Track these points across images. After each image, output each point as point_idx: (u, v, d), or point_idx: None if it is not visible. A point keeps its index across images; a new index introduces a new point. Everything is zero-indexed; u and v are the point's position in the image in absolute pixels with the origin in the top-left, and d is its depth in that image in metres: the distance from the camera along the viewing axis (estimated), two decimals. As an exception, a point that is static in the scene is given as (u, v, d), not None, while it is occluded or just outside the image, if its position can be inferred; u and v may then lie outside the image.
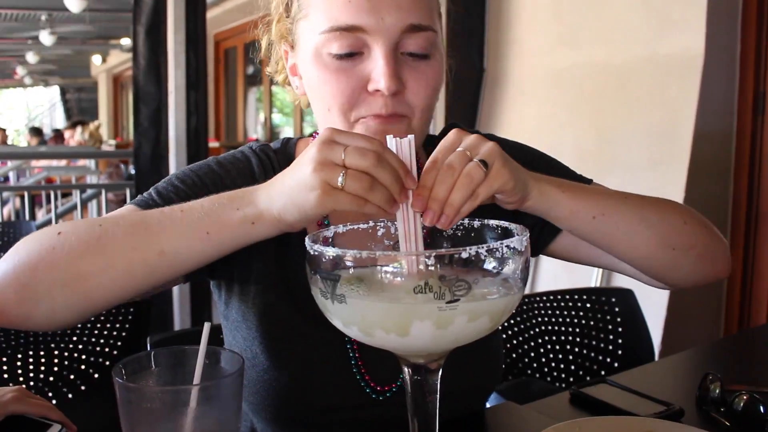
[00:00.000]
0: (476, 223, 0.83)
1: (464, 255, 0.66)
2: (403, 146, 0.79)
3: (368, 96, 0.97)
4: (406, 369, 0.76)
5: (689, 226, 1.08)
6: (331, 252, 0.70)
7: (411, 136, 0.79)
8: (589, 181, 1.17)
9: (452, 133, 0.88)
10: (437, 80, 1.00)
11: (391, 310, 0.68)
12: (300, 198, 0.82)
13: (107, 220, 0.91)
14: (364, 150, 0.78)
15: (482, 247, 0.67)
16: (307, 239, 0.75)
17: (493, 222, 0.81)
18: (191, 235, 0.87)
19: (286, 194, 0.84)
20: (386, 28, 0.94)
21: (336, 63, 0.96)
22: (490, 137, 1.07)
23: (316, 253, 0.71)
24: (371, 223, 0.87)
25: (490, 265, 0.68)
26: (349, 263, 0.70)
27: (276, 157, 1.13)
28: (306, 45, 1.00)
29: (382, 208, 0.78)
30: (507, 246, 0.69)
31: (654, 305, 3.05)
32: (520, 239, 0.70)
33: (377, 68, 0.95)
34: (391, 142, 0.80)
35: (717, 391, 1.13)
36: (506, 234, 0.77)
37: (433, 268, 0.66)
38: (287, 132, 9.51)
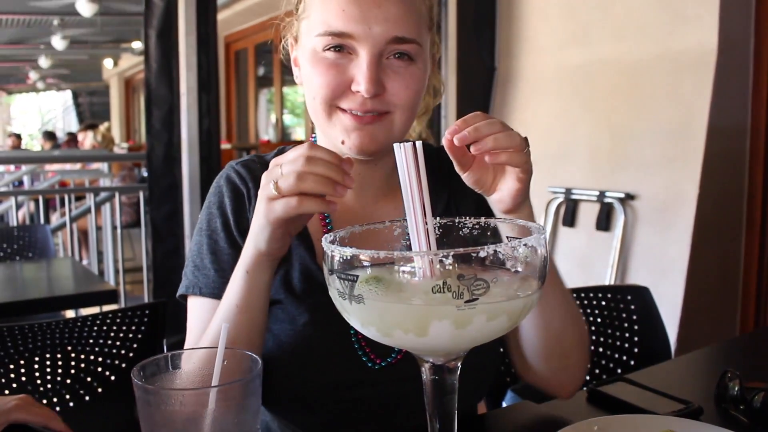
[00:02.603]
0: (492, 222, 0.83)
1: (482, 254, 0.65)
2: (406, 150, 0.80)
3: (350, 93, 1.07)
4: (424, 368, 0.76)
5: (581, 341, 1.19)
6: (348, 252, 0.70)
7: (418, 142, 0.79)
8: None
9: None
10: (418, 84, 1.10)
11: (410, 310, 0.68)
12: (257, 221, 0.98)
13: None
14: (294, 157, 0.92)
15: (500, 246, 0.66)
16: (324, 239, 0.75)
17: (510, 220, 0.81)
18: (232, 318, 1.03)
19: (253, 224, 1.00)
20: (373, 37, 1.04)
21: (327, 59, 1.07)
22: None
23: (334, 253, 0.71)
24: (387, 223, 0.87)
25: (508, 263, 0.68)
26: (366, 263, 0.70)
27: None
28: (305, 42, 1.12)
29: (317, 193, 0.90)
30: (525, 244, 0.68)
31: (669, 303, 3.03)
32: (538, 237, 0.70)
33: (360, 72, 1.05)
34: (398, 148, 0.80)
35: (736, 388, 1.12)
36: (524, 232, 0.77)
37: (451, 267, 0.66)
38: (299, 132, 9.52)
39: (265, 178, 0.95)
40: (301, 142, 1.27)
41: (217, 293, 1.11)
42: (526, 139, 0.98)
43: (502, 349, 1.29)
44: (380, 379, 1.11)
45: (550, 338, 1.14)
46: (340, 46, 1.06)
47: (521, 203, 1.02)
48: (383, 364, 1.12)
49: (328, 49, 1.07)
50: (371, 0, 1.04)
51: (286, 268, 1.14)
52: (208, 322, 1.09)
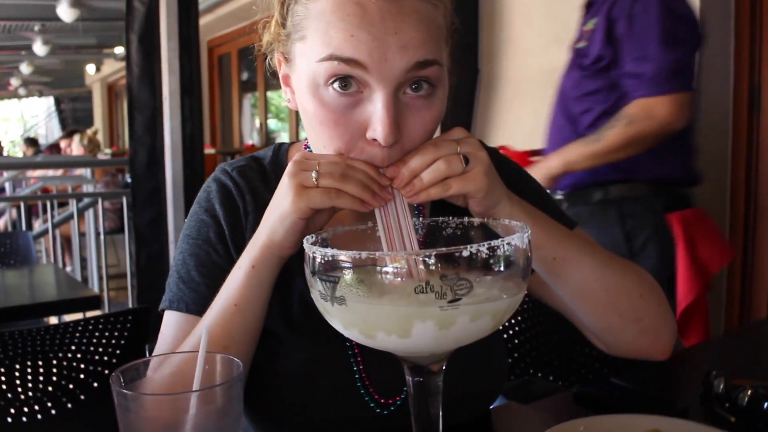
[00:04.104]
0: (476, 221, 0.83)
1: (465, 253, 0.65)
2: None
3: (365, 144, 0.91)
4: (408, 370, 0.75)
5: (643, 300, 1.10)
6: (329, 253, 0.69)
7: None
8: (573, 224, 1.16)
9: (456, 129, 0.93)
10: (436, 121, 0.94)
11: (392, 311, 0.67)
12: (279, 209, 0.90)
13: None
14: (335, 159, 0.89)
15: (483, 245, 0.66)
16: (305, 241, 0.74)
17: (494, 220, 0.81)
18: (228, 319, 0.95)
19: (270, 212, 0.93)
20: (389, 70, 0.87)
21: (335, 101, 0.90)
22: (493, 150, 1.09)
23: (315, 254, 0.70)
24: (369, 224, 0.86)
25: (491, 263, 0.67)
26: (348, 264, 0.69)
27: (270, 167, 1.14)
28: (302, 69, 0.94)
29: (357, 197, 0.86)
30: (508, 243, 0.68)
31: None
32: (521, 236, 0.70)
33: (376, 115, 0.88)
34: None
35: (721, 386, 1.12)
36: (508, 231, 0.77)
37: (434, 267, 0.65)
38: (283, 137, 9.51)
39: (296, 167, 0.89)
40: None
41: (205, 311, 1.00)
42: (466, 157, 0.89)
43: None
44: (388, 423, 1.05)
45: (608, 309, 1.07)
46: (348, 82, 0.88)
47: (488, 207, 0.94)
48: (392, 408, 1.05)
49: (334, 82, 0.89)
50: (387, 25, 0.86)
51: (283, 297, 1.05)
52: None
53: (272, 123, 9.85)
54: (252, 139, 9.90)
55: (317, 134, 0.94)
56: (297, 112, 1.00)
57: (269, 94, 9.29)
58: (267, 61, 1.07)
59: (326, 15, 0.89)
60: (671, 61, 2.16)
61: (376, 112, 0.88)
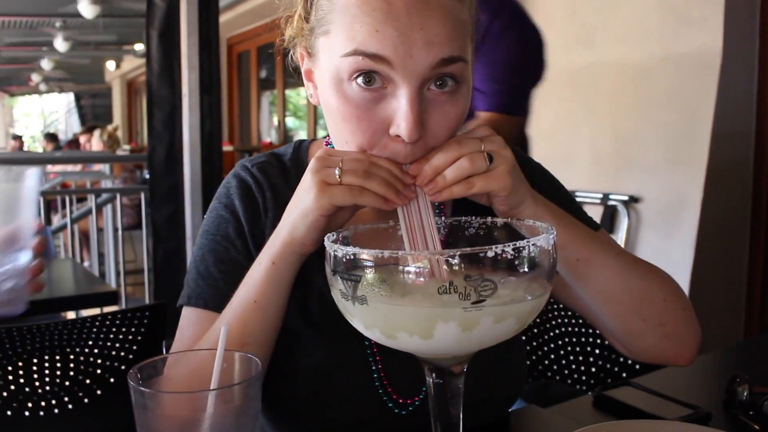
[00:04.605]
0: (499, 221, 0.81)
1: (490, 254, 0.64)
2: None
3: (389, 140, 0.89)
4: (428, 372, 0.74)
5: (668, 304, 1.07)
6: (351, 251, 0.68)
7: None
8: (597, 227, 1.15)
9: (480, 127, 0.92)
10: (460, 118, 0.92)
11: (415, 311, 0.66)
12: (301, 205, 0.89)
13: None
14: (358, 156, 0.88)
15: (509, 246, 0.64)
16: (326, 239, 0.73)
17: (518, 220, 0.80)
18: (247, 315, 0.95)
19: (292, 209, 0.92)
20: (414, 66, 0.85)
21: (358, 97, 0.89)
22: (516, 149, 1.09)
23: (336, 252, 0.69)
24: (390, 223, 0.85)
25: (516, 263, 0.66)
26: (370, 263, 0.67)
27: (290, 163, 1.13)
28: (325, 64, 0.93)
29: (381, 195, 0.85)
30: (534, 244, 0.66)
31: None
32: (547, 237, 0.68)
33: (400, 111, 0.87)
34: None
35: (745, 393, 1.10)
36: (533, 232, 0.75)
37: (457, 267, 0.64)
38: (301, 135, 9.52)
39: (320, 163, 0.88)
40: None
41: (223, 307, 0.99)
42: (490, 155, 0.88)
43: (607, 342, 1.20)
44: (406, 423, 1.04)
45: (631, 313, 1.05)
46: (372, 77, 0.87)
47: (512, 206, 0.93)
48: (411, 409, 1.04)
49: (358, 77, 0.88)
50: (412, 21, 0.85)
51: (302, 294, 1.04)
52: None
53: (290, 121, 9.86)
54: (270, 136, 9.91)
55: (340, 130, 0.93)
56: (315, 110, 0.99)
57: (288, 92, 9.30)
58: (289, 56, 1.06)
59: (351, 9, 0.88)
60: (519, 86, 2.37)
61: (400, 108, 0.87)
